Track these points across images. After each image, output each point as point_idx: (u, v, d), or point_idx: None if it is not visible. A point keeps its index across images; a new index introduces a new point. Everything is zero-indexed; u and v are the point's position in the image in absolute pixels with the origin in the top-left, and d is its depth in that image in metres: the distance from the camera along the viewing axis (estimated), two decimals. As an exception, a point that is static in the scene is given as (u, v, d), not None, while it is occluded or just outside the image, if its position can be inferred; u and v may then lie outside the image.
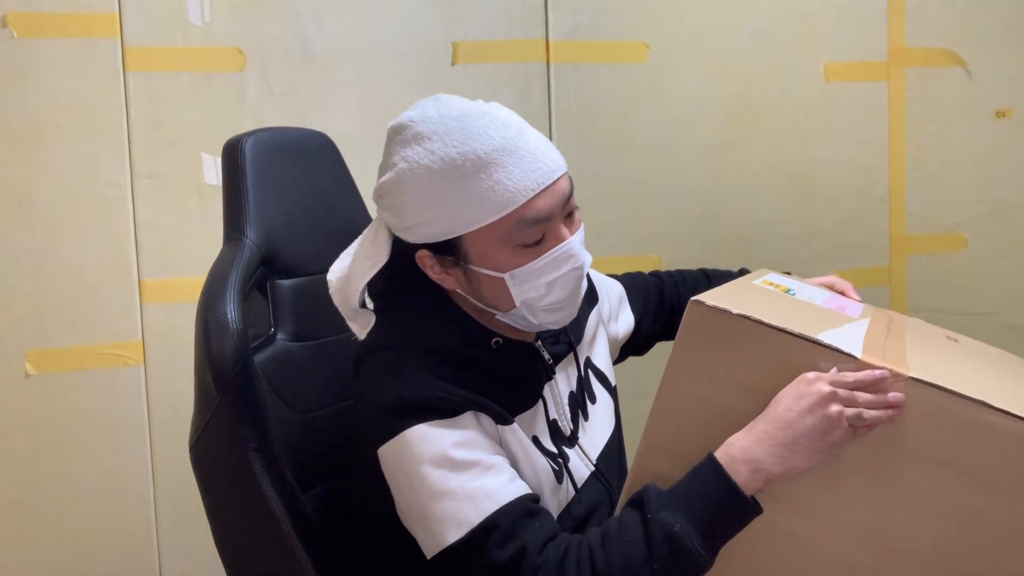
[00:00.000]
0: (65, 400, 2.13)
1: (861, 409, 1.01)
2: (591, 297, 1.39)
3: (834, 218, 2.50)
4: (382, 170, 1.19)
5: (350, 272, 1.21)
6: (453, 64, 2.34)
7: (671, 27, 2.42)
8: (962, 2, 2.47)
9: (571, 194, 1.16)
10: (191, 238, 2.17)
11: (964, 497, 1.02)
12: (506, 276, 1.13)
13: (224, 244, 1.30)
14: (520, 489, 1.09)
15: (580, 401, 1.29)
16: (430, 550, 1.08)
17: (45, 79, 2.08)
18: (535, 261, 1.12)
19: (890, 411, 1.01)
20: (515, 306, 1.15)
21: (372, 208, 1.55)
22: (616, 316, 1.47)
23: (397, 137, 1.17)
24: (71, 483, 2.14)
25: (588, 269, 1.19)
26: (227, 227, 1.31)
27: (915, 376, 1.01)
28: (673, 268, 2.44)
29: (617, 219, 2.38)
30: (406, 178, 1.13)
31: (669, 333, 1.54)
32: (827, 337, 1.05)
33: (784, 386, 1.04)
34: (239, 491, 1.20)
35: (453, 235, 1.12)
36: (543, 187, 1.11)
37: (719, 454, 1.04)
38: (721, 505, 1.02)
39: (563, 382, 1.27)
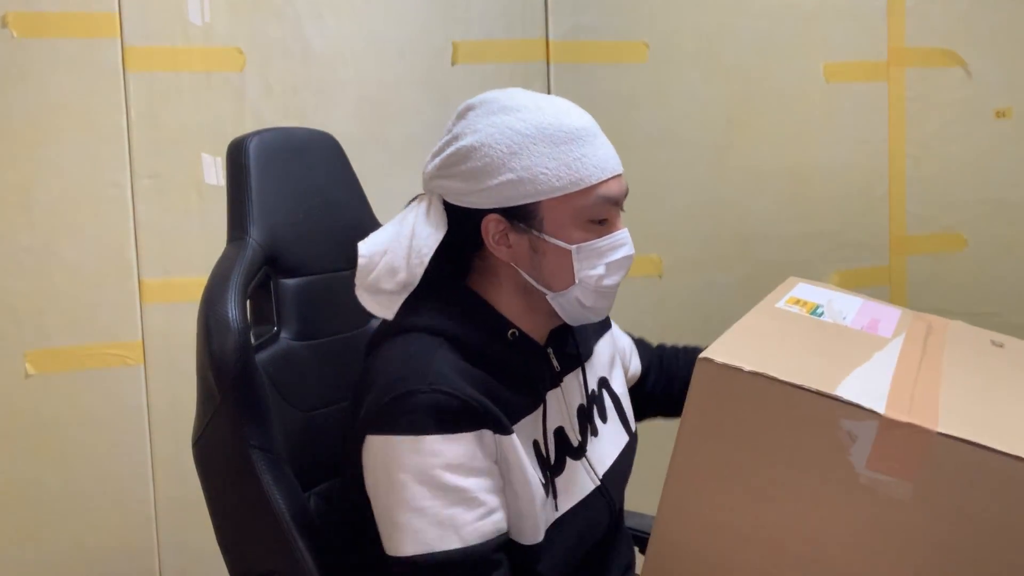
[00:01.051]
0: (65, 400, 2.13)
1: None
2: (604, 323, 1.42)
3: (834, 218, 2.50)
4: (451, 142, 1.19)
5: (411, 244, 1.17)
6: (453, 64, 2.34)
7: (671, 27, 2.42)
8: (962, 2, 2.48)
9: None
10: (191, 238, 2.17)
11: (999, 558, 0.96)
12: (573, 249, 1.16)
13: (228, 243, 1.31)
14: (489, 528, 1.09)
15: (589, 415, 1.29)
16: (387, 550, 1.10)
17: (45, 79, 2.08)
18: (600, 239, 1.17)
19: None
20: (574, 282, 1.17)
21: (378, 207, 1.56)
22: (629, 357, 1.50)
23: (477, 110, 1.19)
24: (71, 483, 2.14)
25: None
26: (231, 227, 1.32)
27: (944, 432, 0.95)
28: (673, 268, 2.45)
29: (617, 219, 2.38)
30: (492, 140, 1.15)
31: (667, 407, 1.52)
32: (848, 388, 0.99)
33: (806, 445, 0.99)
34: (240, 488, 1.20)
35: (534, 199, 1.15)
36: (617, 173, 1.19)
37: None
38: None
39: (572, 393, 1.28)
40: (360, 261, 1.18)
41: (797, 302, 1.25)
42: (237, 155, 1.32)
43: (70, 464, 2.14)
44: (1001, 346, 1.25)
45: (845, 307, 1.26)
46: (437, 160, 1.20)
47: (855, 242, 2.51)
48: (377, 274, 1.18)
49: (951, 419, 0.98)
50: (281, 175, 1.37)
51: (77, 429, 2.14)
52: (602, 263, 1.17)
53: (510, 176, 1.14)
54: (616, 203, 1.19)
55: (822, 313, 1.23)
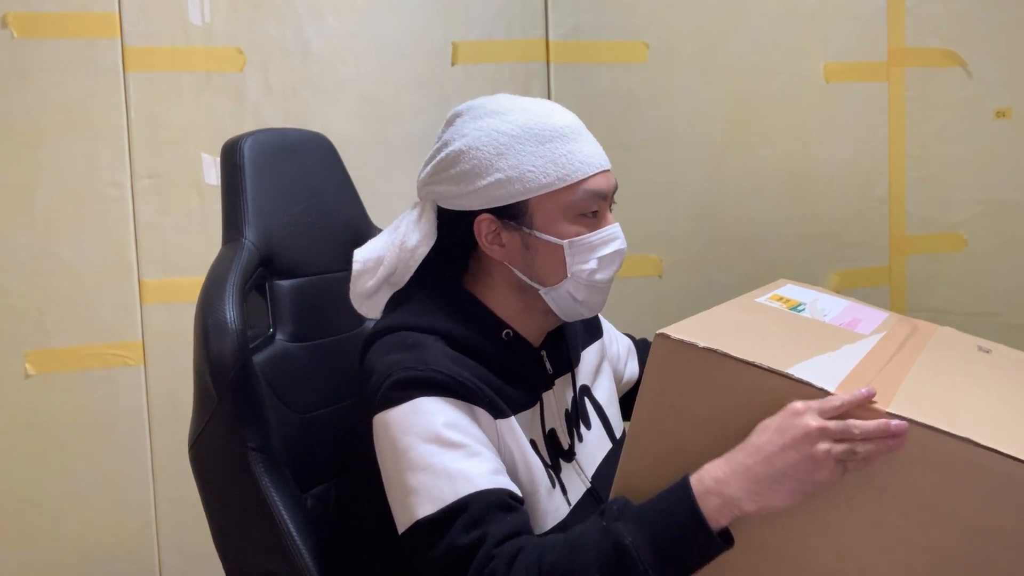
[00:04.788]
0: (65, 400, 2.13)
1: (854, 445, 0.93)
2: (594, 331, 1.42)
3: (834, 218, 2.50)
4: (441, 149, 1.23)
5: (399, 254, 1.23)
6: (453, 64, 2.34)
7: (671, 27, 2.42)
8: (962, 2, 2.47)
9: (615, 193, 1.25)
10: (191, 238, 2.17)
11: (951, 544, 0.95)
12: (565, 244, 1.18)
13: (223, 245, 1.31)
14: (502, 483, 1.08)
15: (575, 420, 1.30)
16: (402, 524, 1.08)
17: (45, 79, 2.09)
18: (591, 234, 1.19)
19: (890, 441, 0.93)
20: (566, 276, 1.19)
21: (371, 208, 1.56)
22: (624, 361, 1.50)
23: (465, 116, 1.23)
24: (71, 483, 2.14)
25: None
26: (226, 228, 1.32)
27: (893, 411, 0.94)
28: (673, 268, 2.45)
29: (617, 219, 2.38)
30: (480, 142, 1.19)
31: None
32: (802, 369, 0.99)
33: (756, 423, 0.98)
34: (238, 490, 1.20)
35: (523, 197, 1.18)
36: (605, 168, 1.21)
37: (694, 479, 0.98)
38: (682, 531, 0.96)
39: (561, 397, 1.29)
40: (355, 267, 1.24)
41: (780, 299, 1.25)
42: (231, 156, 1.33)
43: (70, 464, 2.14)
44: (989, 352, 1.24)
45: (829, 306, 1.26)
46: (429, 167, 1.24)
47: (855, 242, 2.51)
48: (375, 282, 1.24)
49: (905, 402, 0.96)
50: (275, 176, 1.37)
51: (77, 429, 2.14)
52: (594, 257, 1.19)
53: (498, 176, 1.17)
54: (604, 197, 1.20)
55: (803, 310, 1.22)
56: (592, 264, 1.19)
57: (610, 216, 1.22)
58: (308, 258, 1.39)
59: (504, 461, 1.12)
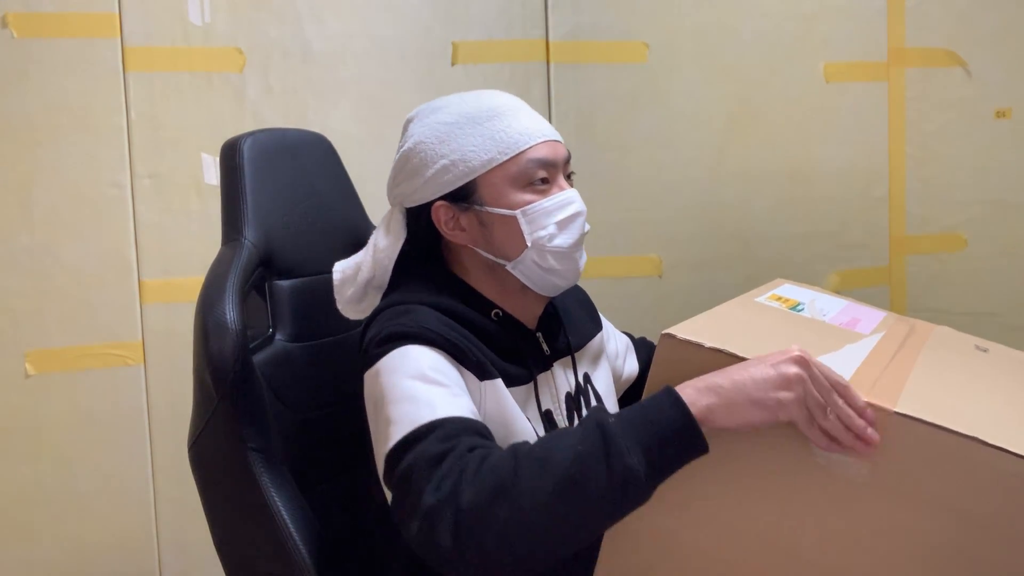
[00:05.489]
0: (65, 400, 2.13)
1: (828, 406, 0.95)
2: (595, 320, 1.44)
3: (834, 218, 2.50)
4: (397, 154, 1.29)
5: (374, 258, 1.27)
6: (453, 64, 2.34)
7: (671, 27, 2.42)
8: (962, 2, 2.47)
9: (569, 163, 1.27)
10: (191, 238, 2.17)
11: (957, 542, 0.95)
12: (518, 213, 1.21)
13: (223, 245, 1.31)
14: (480, 419, 1.09)
15: (577, 405, 1.30)
16: (381, 457, 1.07)
17: (45, 79, 2.09)
18: (544, 200, 1.21)
19: (858, 442, 0.95)
20: (526, 246, 1.21)
21: (371, 208, 1.56)
22: (623, 358, 1.51)
23: (415, 120, 1.29)
24: (71, 483, 2.15)
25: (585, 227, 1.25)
26: (225, 228, 1.32)
27: (900, 411, 0.95)
28: (673, 268, 2.45)
29: (617, 219, 2.39)
30: (425, 136, 1.24)
31: None
32: None
33: None
34: (238, 491, 1.20)
35: (469, 178, 1.22)
36: (548, 138, 1.24)
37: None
38: (664, 418, 0.97)
39: (561, 380, 1.29)
40: (335, 279, 1.28)
41: (779, 299, 1.26)
42: (231, 156, 1.33)
43: (70, 464, 2.14)
44: (986, 351, 1.25)
45: (827, 306, 1.26)
46: (391, 173, 1.30)
47: (855, 242, 2.51)
48: (355, 290, 1.28)
49: (911, 402, 0.97)
50: (275, 176, 1.37)
51: (77, 429, 2.14)
52: (551, 223, 1.21)
53: (443, 162, 1.22)
54: (551, 165, 1.23)
55: (802, 310, 1.23)
56: (551, 229, 1.21)
57: (564, 183, 1.25)
58: (308, 258, 1.39)
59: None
